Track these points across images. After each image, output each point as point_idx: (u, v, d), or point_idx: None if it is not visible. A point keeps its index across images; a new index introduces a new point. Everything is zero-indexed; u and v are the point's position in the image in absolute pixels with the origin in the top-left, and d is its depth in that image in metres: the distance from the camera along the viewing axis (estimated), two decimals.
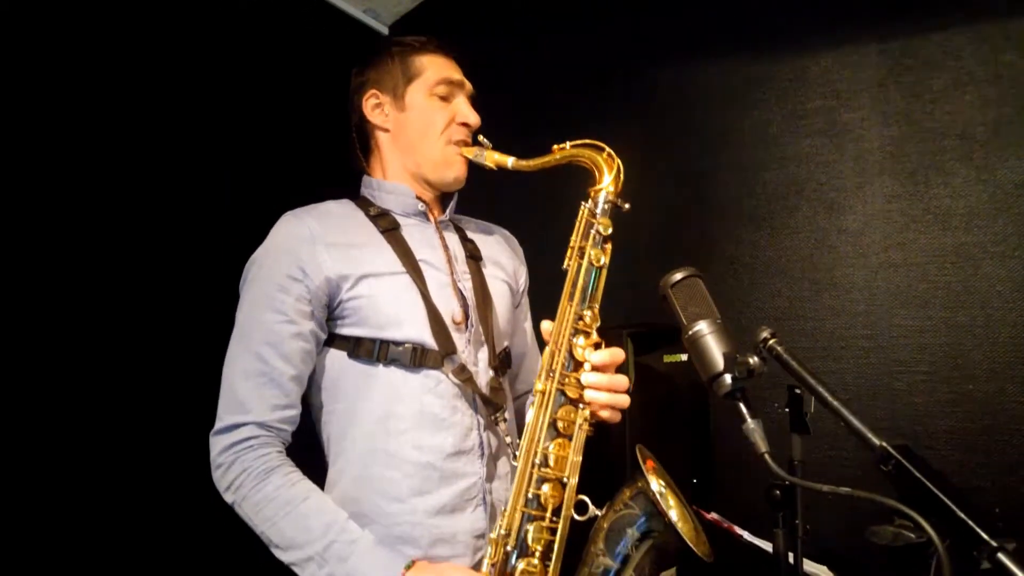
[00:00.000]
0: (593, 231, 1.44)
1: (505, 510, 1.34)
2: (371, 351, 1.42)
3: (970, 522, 0.99)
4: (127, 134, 1.95)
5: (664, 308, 1.35)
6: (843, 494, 1.12)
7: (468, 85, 1.63)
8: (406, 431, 1.41)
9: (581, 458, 1.36)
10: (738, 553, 1.96)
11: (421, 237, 1.54)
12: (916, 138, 2.34)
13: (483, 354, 1.52)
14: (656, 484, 1.31)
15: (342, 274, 1.41)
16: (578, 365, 1.40)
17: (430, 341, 1.43)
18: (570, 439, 1.37)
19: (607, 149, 1.50)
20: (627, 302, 2.05)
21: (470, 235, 1.66)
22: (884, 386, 2.35)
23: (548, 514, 1.33)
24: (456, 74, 1.61)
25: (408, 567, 1.30)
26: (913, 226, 2.34)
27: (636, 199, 2.60)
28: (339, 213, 1.53)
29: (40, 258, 1.76)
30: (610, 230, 1.45)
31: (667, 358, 2.35)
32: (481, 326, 1.53)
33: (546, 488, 1.34)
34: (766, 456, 1.18)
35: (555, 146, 1.53)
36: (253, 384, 1.37)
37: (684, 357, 2.30)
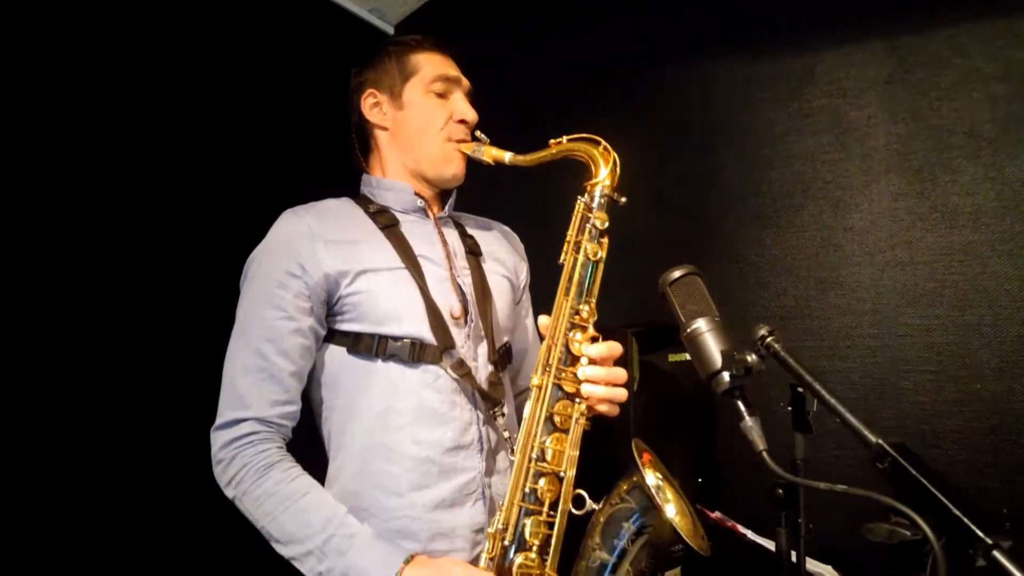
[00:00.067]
0: (589, 225, 1.45)
1: (503, 504, 1.35)
2: (370, 346, 1.43)
3: (966, 520, 0.99)
4: (128, 134, 1.96)
5: (663, 306, 1.35)
6: (840, 492, 1.11)
7: (465, 82, 1.64)
8: (405, 426, 1.42)
9: (578, 452, 1.37)
10: (742, 552, 1.96)
11: (420, 233, 1.55)
12: (923, 136, 2.32)
13: (483, 349, 1.53)
14: (653, 478, 1.31)
15: (341, 270, 1.42)
16: (575, 359, 1.41)
17: (428, 336, 1.44)
18: (567, 433, 1.38)
19: (603, 143, 1.50)
20: (631, 301, 2.05)
21: (470, 231, 1.66)
22: (891, 385, 2.33)
23: (545, 508, 1.34)
24: (453, 71, 1.62)
25: (407, 561, 1.31)
26: (920, 224, 2.33)
27: (641, 198, 2.60)
28: (338, 210, 1.54)
29: (41, 258, 1.77)
30: (606, 224, 1.45)
31: (672, 357, 2.34)
32: (481, 321, 1.53)
33: (543, 482, 1.35)
34: (764, 454, 1.18)
35: (552, 141, 1.54)
36: (253, 380, 1.39)
37: (689, 356, 2.30)
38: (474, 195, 1.73)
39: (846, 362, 2.40)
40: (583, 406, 1.39)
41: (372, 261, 1.45)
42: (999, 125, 2.22)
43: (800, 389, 1.29)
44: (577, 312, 1.42)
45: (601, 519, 1.33)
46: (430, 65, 1.60)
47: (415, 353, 1.43)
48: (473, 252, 1.61)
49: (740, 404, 1.23)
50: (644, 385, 2.27)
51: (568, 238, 1.47)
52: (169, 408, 1.96)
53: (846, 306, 2.41)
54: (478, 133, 1.60)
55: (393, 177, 1.61)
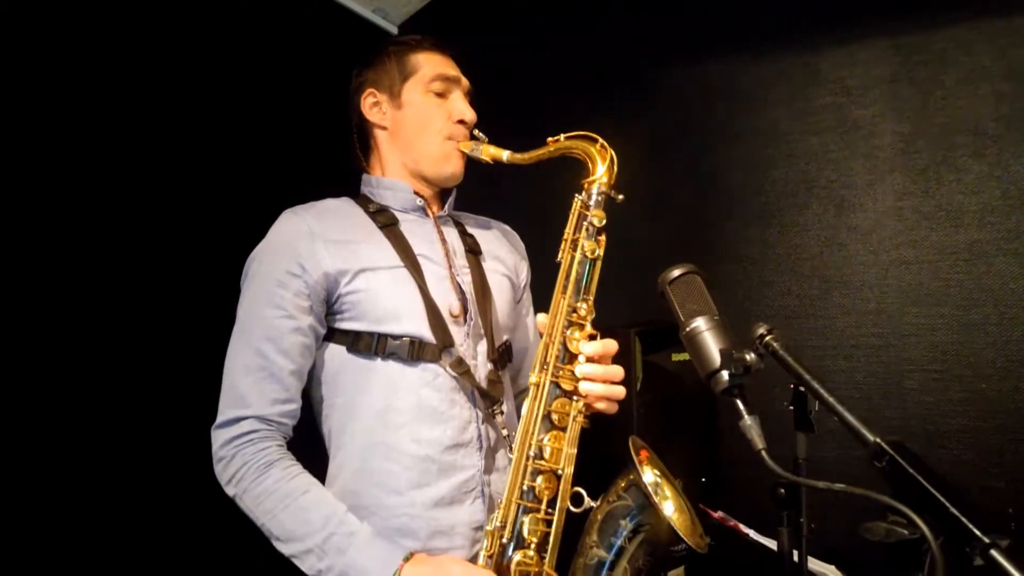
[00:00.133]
0: (586, 223, 1.45)
1: (501, 502, 1.35)
2: (370, 345, 1.43)
3: (963, 519, 0.98)
4: (129, 134, 1.97)
5: (663, 305, 1.35)
6: (838, 491, 1.11)
7: (465, 81, 1.64)
8: (404, 424, 1.42)
9: (576, 450, 1.37)
10: (746, 552, 1.95)
11: (420, 232, 1.56)
12: (928, 134, 2.32)
13: (482, 347, 1.53)
14: (651, 475, 1.31)
15: (340, 269, 1.43)
16: (572, 357, 1.41)
17: (428, 334, 1.44)
18: (565, 431, 1.38)
19: (600, 140, 1.50)
20: (635, 300, 2.05)
21: (470, 230, 1.67)
22: (895, 385, 2.33)
23: (543, 506, 1.34)
24: (452, 70, 1.62)
25: (406, 559, 1.31)
26: (925, 223, 2.32)
27: (644, 197, 2.60)
28: (338, 210, 1.55)
29: (41, 258, 1.78)
30: (604, 222, 1.46)
31: (675, 356, 2.34)
32: (480, 320, 1.54)
33: (541, 480, 1.35)
34: (763, 453, 1.18)
35: (549, 139, 1.54)
36: (253, 379, 1.39)
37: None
38: (474, 194, 1.74)
39: (850, 362, 2.39)
40: (581, 404, 1.39)
41: (371, 260, 1.46)
42: (1004, 123, 2.21)
43: (802, 388, 1.29)
44: (575, 310, 1.42)
45: (599, 517, 1.34)
46: (429, 65, 1.60)
47: (414, 352, 1.43)
48: (473, 251, 1.61)
49: (739, 403, 1.22)
50: (647, 385, 2.26)
51: (565, 236, 1.47)
52: (170, 407, 1.97)
53: (850, 305, 2.40)
54: (476, 132, 1.61)
55: (393, 176, 1.61)
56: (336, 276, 1.43)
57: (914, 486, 1.05)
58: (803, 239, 2.48)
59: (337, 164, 1.72)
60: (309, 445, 1.47)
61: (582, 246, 1.44)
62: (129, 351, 1.94)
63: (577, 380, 1.39)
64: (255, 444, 1.38)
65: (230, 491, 1.40)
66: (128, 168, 1.96)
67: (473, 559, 1.39)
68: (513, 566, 1.31)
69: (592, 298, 1.45)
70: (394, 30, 2.81)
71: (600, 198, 1.46)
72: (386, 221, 1.53)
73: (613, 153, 1.49)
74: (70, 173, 1.85)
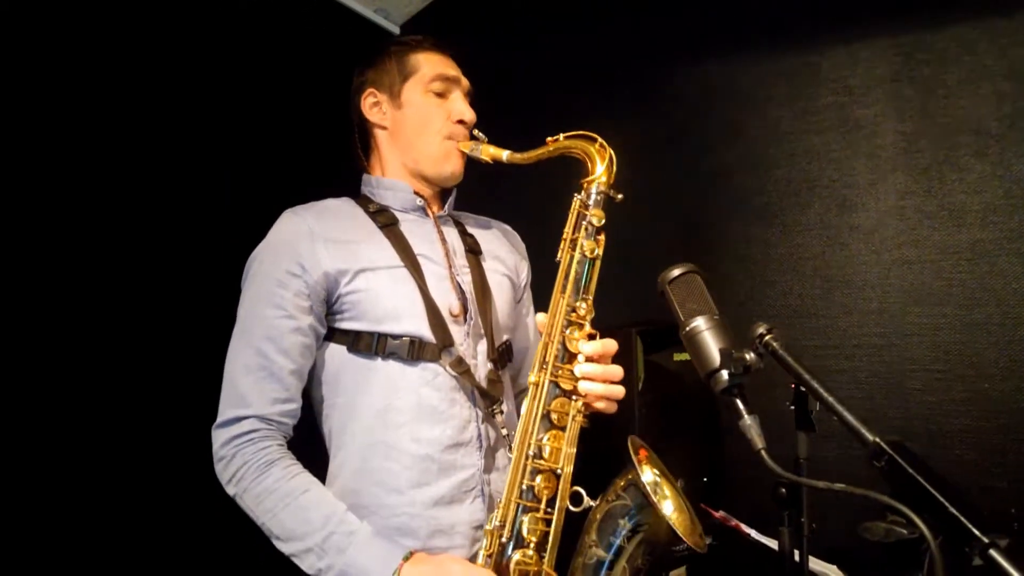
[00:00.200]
0: (585, 223, 1.45)
1: (500, 502, 1.36)
2: (370, 345, 1.43)
3: (962, 518, 0.98)
4: (130, 134, 1.97)
5: (664, 304, 1.35)
6: (838, 490, 1.11)
7: (465, 82, 1.64)
8: (404, 424, 1.42)
9: (575, 449, 1.38)
10: (748, 551, 1.95)
11: (419, 232, 1.56)
12: (930, 134, 2.32)
13: (482, 347, 1.53)
14: (650, 474, 1.31)
15: (340, 269, 1.43)
16: (572, 357, 1.41)
17: (427, 334, 1.44)
18: (564, 430, 1.38)
19: (599, 140, 1.51)
20: (637, 300, 2.04)
21: (470, 230, 1.67)
22: (897, 385, 2.33)
23: (543, 505, 1.34)
24: (452, 71, 1.62)
25: (406, 558, 1.31)
26: (927, 223, 2.32)
27: (646, 197, 2.60)
28: (338, 210, 1.55)
29: (41, 258, 1.78)
30: (603, 221, 1.46)
31: (677, 356, 2.34)
32: (480, 319, 1.54)
33: (540, 479, 1.35)
34: (762, 452, 1.18)
35: (549, 139, 1.54)
36: (254, 378, 1.40)
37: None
38: (474, 194, 1.74)
39: (853, 361, 2.39)
40: (580, 403, 1.39)
41: (371, 260, 1.46)
42: (1006, 122, 2.21)
43: (804, 388, 1.28)
44: (574, 309, 1.42)
45: (598, 516, 1.34)
46: (429, 65, 1.60)
47: (414, 351, 1.43)
48: (473, 251, 1.61)
49: (739, 402, 1.22)
50: (649, 384, 2.26)
51: (564, 236, 1.47)
52: (170, 407, 1.97)
53: (852, 305, 2.40)
54: (476, 132, 1.61)
55: (393, 176, 1.61)
56: (336, 276, 1.43)
57: (913, 486, 1.05)
58: (805, 239, 2.48)
59: (337, 164, 1.72)
60: (309, 445, 1.48)
61: (581, 245, 1.44)
62: (129, 351, 1.94)
63: (576, 380, 1.39)
64: (255, 443, 1.38)
65: (231, 490, 1.40)
66: (129, 168, 1.97)
67: (473, 558, 1.39)
68: (512, 565, 1.31)
69: (591, 297, 1.45)
70: (396, 30, 2.82)
71: (599, 197, 1.46)
72: (386, 221, 1.53)
73: (612, 152, 1.49)
74: (71, 174, 1.85)
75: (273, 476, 1.36)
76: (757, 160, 2.55)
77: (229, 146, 2.18)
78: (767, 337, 1.23)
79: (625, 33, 2.78)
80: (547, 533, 1.34)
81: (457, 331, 1.49)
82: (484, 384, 1.49)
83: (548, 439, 1.36)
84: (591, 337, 1.42)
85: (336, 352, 1.46)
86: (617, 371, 1.43)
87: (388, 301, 1.44)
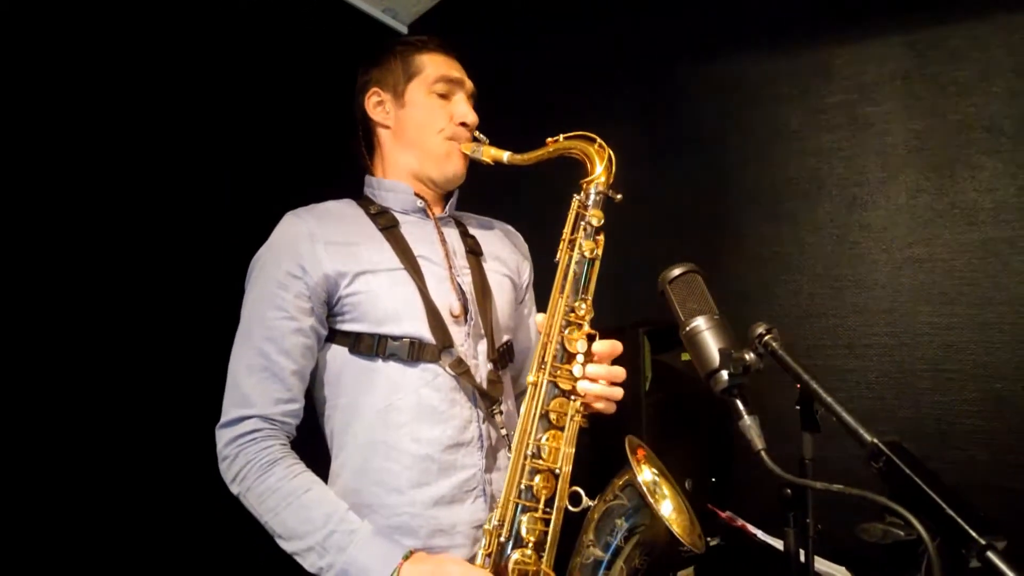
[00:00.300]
0: (584, 223, 1.45)
1: (499, 501, 1.36)
2: (371, 346, 1.44)
3: (959, 520, 0.97)
4: (133, 134, 1.99)
5: (663, 304, 1.35)
6: (836, 491, 1.11)
7: (469, 84, 1.64)
8: (405, 424, 1.43)
9: (574, 449, 1.37)
10: (757, 552, 1.94)
11: (420, 234, 1.56)
12: (941, 131, 2.29)
13: (482, 347, 1.54)
14: (649, 474, 1.31)
15: (340, 271, 1.44)
16: (570, 357, 1.41)
17: (427, 335, 1.45)
18: (562, 430, 1.38)
19: (598, 140, 1.51)
20: (644, 300, 2.04)
21: (471, 231, 1.67)
22: (909, 385, 2.31)
23: (541, 505, 1.34)
24: (456, 72, 1.62)
25: (406, 558, 1.32)
26: (939, 221, 2.29)
27: (654, 196, 2.59)
28: (339, 212, 1.56)
29: (41, 257, 1.80)
30: (602, 221, 1.45)
31: (684, 356, 2.33)
32: (480, 319, 1.54)
33: (539, 479, 1.35)
34: (762, 453, 1.18)
35: (549, 139, 1.54)
36: (256, 379, 1.41)
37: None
38: (475, 195, 1.74)
39: (863, 361, 2.37)
40: (578, 403, 1.39)
41: (371, 262, 1.47)
42: (1019, 120, 2.19)
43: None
44: (572, 310, 1.42)
45: (595, 516, 1.34)
46: (433, 66, 1.61)
47: (414, 352, 1.44)
48: (474, 252, 1.62)
49: (738, 403, 1.22)
50: (656, 384, 2.26)
51: (563, 236, 1.47)
52: (171, 407, 1.99)
53: (863, 304, 2.38)
54: (477, 134, 1.61)
55: (394, 177, 1.62)
56: (336, 278, 1.44)
57: (911, 487, 1.04)
58: (815, 237, 2.46)
59: (338, 164, 1.72)
60: (310, 445, 1.49)
61: (580, 245, 1.44)
62: (130, 351, 1.96)
63: (575, 380, 1.39)
64: (258, 443, 1.40)
65: (234, 489, 1.41)
66: (130, 167, 1.98)
67: (474, 558, 1.39)
68: (511, 565, 1.31)
69: (591, 298, 1.44)
70: (404, 30, 2.82)
71: (598, 198, 1.46)
72: (386, 223, 1.54)
73: (611, 153, 1.49)
74: (71, 174, 1.86)
75: (275, 475, 1.37)
76: (766, 158, 2.54)
77: (231, 146, 2.20)
78: (767, 337, 1.23)
79: (635, 32, 2.78)
80: (546, 533, 1.34)
81: (457, 332, 1.49)
82: (484, 384, 1.49)
83: (547, 439, 1.36)
84: (590, 337, 1.42)
85: (337, 353, 1.47)
86: (621, 373, 1.44)
87: (388, 303, 1.45)
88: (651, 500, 1.26)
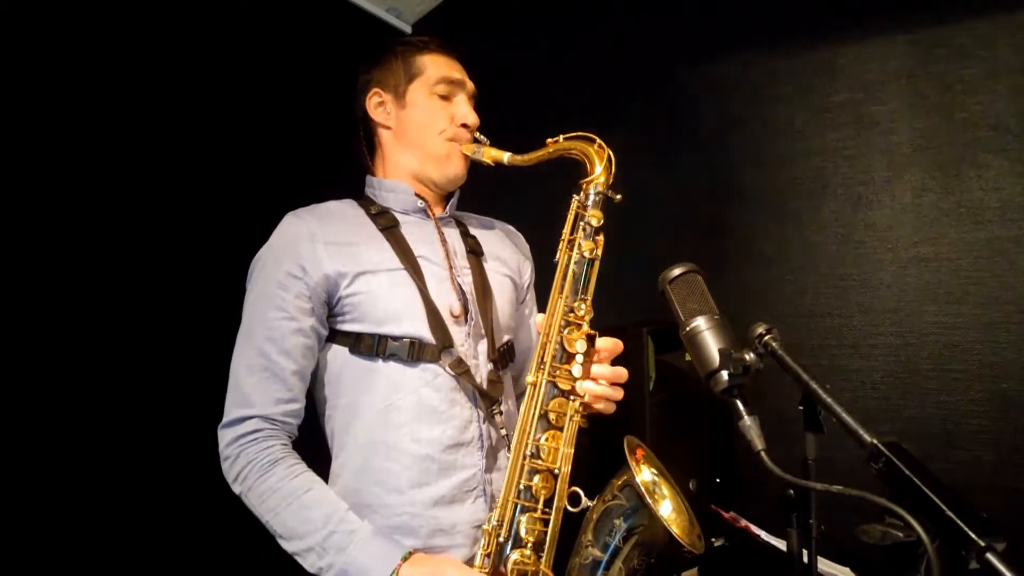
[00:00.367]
0: (583, 223, 1.45)
1: (498, 501, 1.36)
2: (371, 346, 1.44)
3: (959, 521, 0.97)
4: (133, 133, 2.00)
5: (664, 304, 1.35)
6: (835, 492, 1.10)
7: (470, 85, 1.65)
8: (405, 424, 1.43)
9: (573, 449, 1.37)
10: (761, 552, 1.94)
11: (420, 234, 1.57)
12: (947, 130, 2.28)
13: (483, 347, 1.54)
14: (648, 474, 1.31)
15: (340, 271, 1.44)
16: (570, 357, 1.40)
17: (427, 335, 1.45)
18: (562, 430, 1.38)
19: (598, 140, 1.50)
20: (648, 299, 2.04)
21: (472, 231, 1.67)
22: (914, 385, 2.29)
23: (540, 505, 1.34)
24: (457, 73, 1.62)
25: (405, 558, 1.32)
26: (944, 220, 2.28)
27: (658, 195, 2.59)
28: (340, 212, 1.56)
29: (41, 258, 1.81)
30: (601, 222, 1.45)
31: (688, 356, 2.32)
32: (481, 319, 1.54)
33: (538, 479, 1.35)
34: (762, 454, 1.17)
35: (549, 140, 1.54)
36: (257, 379, 1.41)
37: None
38: (475, 195, 1.74)
39: (868, 361, 2.36)
40: (578, 403, 1.39)
41: (371, 263, 1.47)
42: None
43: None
44: (572, 310, 1.41)
45: (594, 516, 1.34)
46: (435, 67, 1.61)
47: (414, 352, 1.44)
48: (474, 252, 1.62)
49: (738, 403, 1.22)
50: (660, 384, 2.25)
51: (563, 236, 1.47)
52: (171, 407, 1.99)
53: (868, 304, 2.37)
54: (478, 135, 1.61)
55: (395, 177, 1.62)
56: (336, 279, 1.44)
57: (911, 488, 1.03)
58: (820, 237, 2.45)
59: (339, 165, 1.72)
60: (311, 445, 1.49)
61: (579, 246, 1.44)
62: (131, 351, 1.97)
63: (574, 380, 1.39)
64: (259, 443, 1.40)
65: (236, 489, 1.42)
66: (131, 167, 1.99)
67: (473, 558, 1.39)
68: (510, 565, 1.32)
69: (590, 298, 1.44)
70: (408, 29, 2.82)
71: (597, 198, 1.46)
72: (387, 223, 1.54)
73: (611, 153, 1.49)
74: (71, 174, 1.87)
75: (276, 475, 1.38)
76: (771, 158, 2.53)
77: (231, 146, 2.20)
78: (767, 337, 1.22)
79: (639, 30, 2.77)
80: (545, 533, 1.34)
81: (458, 332, 1.50)
82: (484, 385, 1.50)
83: (546, 439, 1.36)
84: (589, 337, 1.42)
85: (338, 353, 1.48)
86: (624, 373, 1.44)
87: (388, 303, 1.45)
88: (649, 500, 1.25)
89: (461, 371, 1.45)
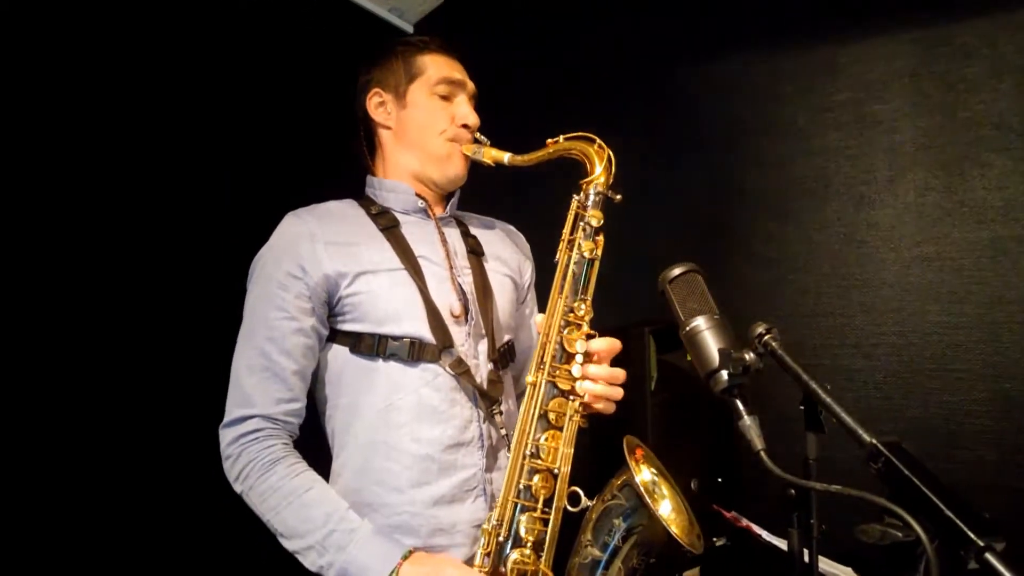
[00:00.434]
0: (583, 223, 1.45)
1: (498, 501, 1.36)
2: (371, 346, 1.45)
3: (958, 521, 0.96)
4: (133, 133, 2.00)
5: (664, 303, 1.35)
6: (834, 491, 1.10)
7: (470, 85, 1.65)
8: (405, 424, 1.43)
9: (572, 449, 1.38)
10: (763, 552, 1.93)
11: (420, 234, 1.57)
12: (950, 129, 2.27)
13: (483, 347, 1.54)
14: (648, 473, 1.31)
15: (340, 271, 1.44)
16: (569, 357, 1.41)
17: (427, 335, 1.45)
18: (561, 430, 1.39)
19: (598, 141, 1.51)
20: (650, 299, 2.04)
21: (473, 231, 1.67)
22: (917, 385, 2.29)
23: (540, 505, 1.35)
24: (458, 74, 1.63)
25: (405, 557, 1.32)
26: (947, 219, 2.27)
27: (659, 195, 2.58)
28: (340, 212, 1.57)
29: (41, 258, 1.81)
30: (601, 222, 1.46)
31: (690, 355, 2.32)
32: (481, 319, 1.55)
33: (537, 479, 1.35)
34: (762, 454, 1.18)
35: (549, 140, 1.54)
36: (258, 379, 1.42)
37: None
38: (475, 194, 1.74)
39: (870, 361, 2.35)
40: (577, 403, 1.40)
41: (372, 263, 1.47)
42: None
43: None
44: (571, 310, 1.42)
45: (594, 516, 1.34)
46: (435, 67, 1.61)
47: (414, 352, 1.44)
48: (475, 252, 1.62)
49: (738, 403, 1.22)
50: (662, 384, 2.25)
51: (563, 236, 1.47)
52: (171, 407, 2.00)
53: (870, 304, 2.37)
54: (479, 135, 1.62)
55: (395, 177, 1.62)
56: (336, 279, 1.44)
57: (911, 488, 1.03)
58: (822, 236, 2.45)
59: (340, 164, 1.73)
60: (312, 444, 1.49)
61: (579, 246, 1.44)
62: (132, 352, 1.97)
63: (574, 380, 1.39)
64: (260, 442, 1.41)
65: (237, 488, 1.42)
66: (132, 167, 1.99)
67: (473, 557, 1.39)
68: (510, 564, 1.32)
69: (590, 298, 1.44)
70: (410, 29, 2.82)
71: (597, 198, 1.46)
72: (387, 223, 1.55)
73: (611, 153, 1.49)
74: (71, 174, 1.87)
75: (277, 474, 1.38)
76: (772, 157, 2.52)
77: (233, 146, 2.20)
78: (766, 337, 1.22)
79: (639, 30, 2.77)
80: (544, 532, 1.34)
81: (458, 332, 1.50)
82: (484, 385, 1.50)
83: (545, 439, 1.37)
84: (589, 337, 1.42)
85: (339, 353, 1.48)
86: (620, 374, 1.44)
87: (388, 303, 1.45)
88: (648, 500, 1.26)
89: (461, 371, 1.46)
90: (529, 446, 1.36)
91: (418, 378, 1.45)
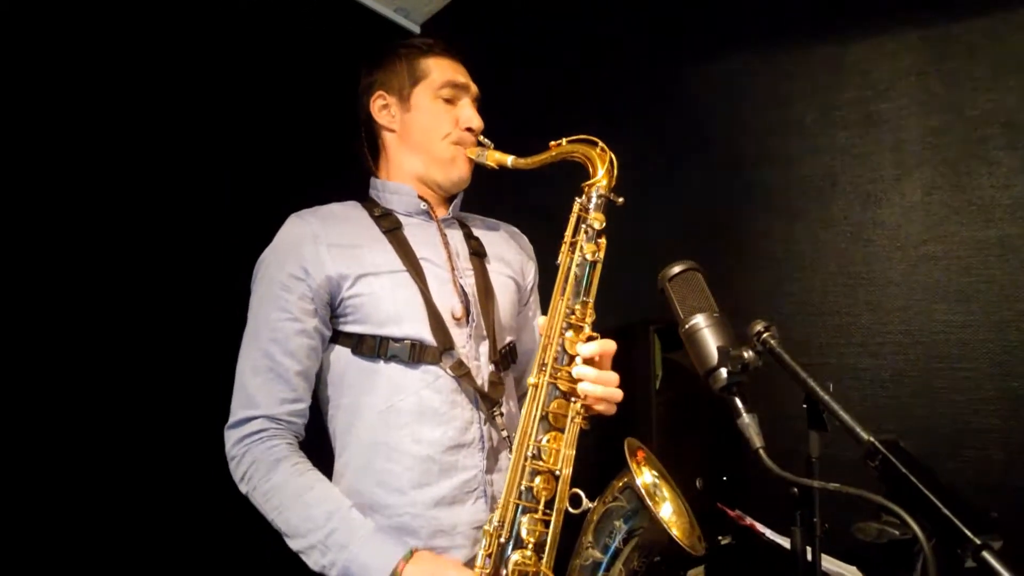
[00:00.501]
0: (585, 226, 1.45)
1: (499, 503, 1.36)
2: (373, 347, 1.46)
3: (955, 519, 0.96)
4: (134, 133, 2.01)
5: (664, 302, 1.35)
6: (832, 490, 1.10)
7: (474, 88, 1.65)
8: (406, 425, 1.44)
9: (574, 451, 1.38)
10: (767, 551, 1.93)
11: (423, 236, 1.57)
12: (957, 127, 2.26)
13: (484, 349, 1.54)
14: (649, 475, 1.31)
15: (342, 273, 1.45)
16: (571, 359, 1.41)
17: (428, 337, 1.46)
18: (563, 432, 1.38)
19: (600, 144, 1.50)
20: (654, 298, 2.04)
21: (475, 232, 1.68)
22: (923, 384, 2.28)
23: (541, 506, 1.35)
24: (461, 77, 1.63)
25: (406, 557, 1.32)
26: (954, 218, 2.26)
27: (665, 193, 2.58)
28: (343, 214, 1.57)
29: (41, 258, 1.82)
30: (603, 224, 1.45)
31: (690, 353, 2.32)
32: (483, 321, 1.55)
33: (539, 481, 1.35)
34: (760, 452, 1.17)
35: (552, 143, 1.54)
36: (262, 380, 1.43)
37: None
38: (478, 197, 1.74)
39: (877, 359, 2.34)
40: (579, 405, 1.39)
41: (374, 264, 1.48)
42: None
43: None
44: (573, 312, 1.42)
45: (595, 518, 1.34)
46: (439, 70, 1.62)
47: (415, 354, 1.45)
48: (477, 253, 1.63)
49: (737, 401, 1.22)
50: (667, 383, 2.25)
51: (565, 239, 1.47)
52: (171, 407, 2.01)
53: (876, 302, 2.36)
54: (482, 138, 1.62)
55: (398, 179, 1.63)
56: (338, 280, 1.45)
57: (908, 486, 1.03)
58: (828, 235, 2.44)
59: (340, 165, 1.73)
60: (316, 444, 1.50)
61: (581, 248, 1.44)
62: (134, 352, 1.98)
63: (575, 382, 1.39)
64: (264, 442, 1.42)
65: (242, 488, 1.44)
66: (132, 167, 2.00)
67: (474, 559, 1.39)
68: (511, 565, 1.32)
69: (592, 300, 1.44)
70: (416, 29, 2.82)
71: (599, 201, 1.46)
72: (390, 225, 1.55)
73: (613, 156, 1.49)
74: (71, 174, 1.88)
75: (280, 474, 1.39)
76: (779, 156, 2.52)
77: (235, 146, 2.21)
78: (765, 335, 1.22)
79: (648, 28, 2.77)
80: (546, 534, 1.34)
81: (459, 334, 1.50)
82: (485, 386, 1.50)
83: (547, 441, 1.37)
84: (590, 339, 1.42)
85: (341, 354, 1.49)
86: (612, 377, 1.42)
87: (390, 305, 1.46)
88: (649, 503, 1.26)
89: (462, 373, 1.46)
90: (531, 447, 1.36)
91: (419, 380, 1.45)
